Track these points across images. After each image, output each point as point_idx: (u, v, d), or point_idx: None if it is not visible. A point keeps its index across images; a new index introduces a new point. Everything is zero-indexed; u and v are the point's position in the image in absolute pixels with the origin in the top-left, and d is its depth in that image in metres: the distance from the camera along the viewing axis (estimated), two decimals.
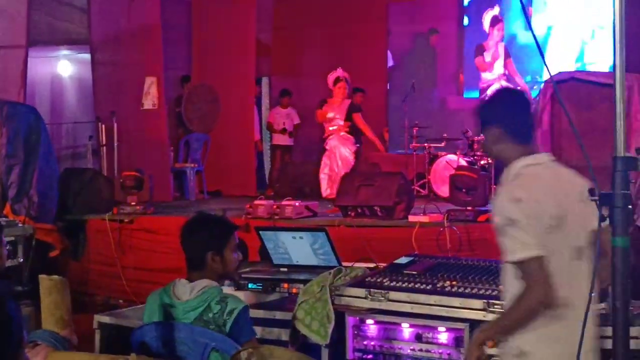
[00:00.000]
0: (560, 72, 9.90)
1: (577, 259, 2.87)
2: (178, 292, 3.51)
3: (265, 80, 14.46)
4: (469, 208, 7.54)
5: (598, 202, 2.27)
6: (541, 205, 2.82)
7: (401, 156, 11.99)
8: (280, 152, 13.36)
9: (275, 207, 8.31)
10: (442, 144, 11.51)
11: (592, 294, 2.61)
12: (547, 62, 2.91)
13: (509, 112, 3.04)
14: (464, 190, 7.60)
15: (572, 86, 6.52)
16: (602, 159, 6.14)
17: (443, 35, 14.31)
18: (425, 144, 11.40)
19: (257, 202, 8.49)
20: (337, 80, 10.34)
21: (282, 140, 13.31)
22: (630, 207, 2.21)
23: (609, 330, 2.48)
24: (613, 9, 2.37)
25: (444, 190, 10.13)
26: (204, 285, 3.49)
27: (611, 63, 2.40)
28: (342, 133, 9.89)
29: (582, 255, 2.87)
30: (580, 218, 2.84)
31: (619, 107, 2.19)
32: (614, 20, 2.26)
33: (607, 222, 2.50)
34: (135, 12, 10.92)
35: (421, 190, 11.14)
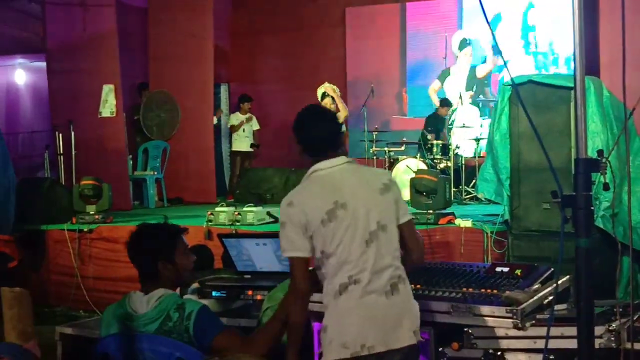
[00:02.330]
0: (518, 75, 10.04)
1: (368, 242, 3.21)
2: (134, 305, 3.46)
3: (224, 87, 14.39)
4: (430, 211, 7.58)
5: (560, 203, 2.28)
6: (311, 207, 3.23)
7: (362, 160, 12.01)
8: (240, 158, 13.33)
9: (236, 213, 8.28)
10: (402, 148, 11.59)
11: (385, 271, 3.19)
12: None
13: (304, 128, 3.43)
14: (424, 193, 7.65)
15: (530, 88, 6.56)
16: (559, 160, 6.24)
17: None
18: (385, 148, 11.48)
19: (218, 209, 8.44)
20: (323, 95, 10.30)
21: (242, 146, 13.28)
22: (592, 208, 2.23)
23: (572, 330, 2.50)
24: (572, 15, 2.40)
25: (404, 194, 10.16)
26: (160, 295, 3.45)
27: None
28: None
29: (373, 238, 3.21)
30: (373, 208, 3.24)
31: (580, 110, 2.21)
32: (574, 24, 2.29)
33: (406, 218, 3.29)
34: (91, 20, 10.81)
35: None
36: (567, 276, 3.90)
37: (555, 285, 2.56)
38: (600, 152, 2.34)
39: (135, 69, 12.51)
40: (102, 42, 10.84)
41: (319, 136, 3.39)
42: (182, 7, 12.23)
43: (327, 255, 3.25)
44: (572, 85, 6.47)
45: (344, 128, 10.46)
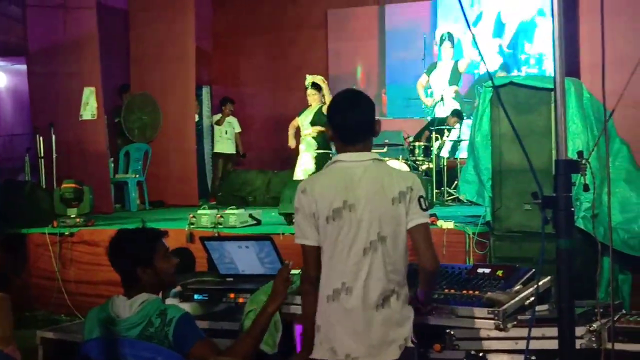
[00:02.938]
0: (498, 77, 10.08)
1: (366, 250, 3.15)
2: (117, 309, 3.44)
3: (206, 89, 14.37)
4: None
5: (541, 205, 2.29)
6: (322, 199, 3.18)
7: None
8: (222, 160, 13.31)
9: (218, 216, 8.27)
10: (384, 150, 11.60)
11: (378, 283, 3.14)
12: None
13: (337, 114, 3.29)
14: None
15: (511, 90, 6.58)
16: (541, 161, 6.28)
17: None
18: None
19: (200, 211, 8.42)
20: (312, 85, 10.12)
21: (224, 148, 13.26)
22: (572, 209, 2.25)
23: (553, 331, 2.51)
24: (552, 17, 2.41)
25: None
26: (143, 299, 3.43)
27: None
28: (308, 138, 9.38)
29: (372, 249, 3.15)
30: (379, 217, 3.15)
31: (560, 111, 2.22)
32: (554, 26, 2.30)
33: (416, 222, 3.13)
34: (72, 22, 10.77)
35: None
36: (549, 277, 3.92)
37: (536, 286, 2.56)
38: (580, 154, 2.35)
39: (116, 71, 12.46)
40: (83, 44, 10.81)
41: (351, 124, 3.25)
42: (163, 8, 12.19)
43: (323, 251, 3.24)
44: (552, 87, 6.53)
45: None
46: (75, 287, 8.52)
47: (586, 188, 2.50)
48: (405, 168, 10.59)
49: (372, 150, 3.32)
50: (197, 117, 13.21)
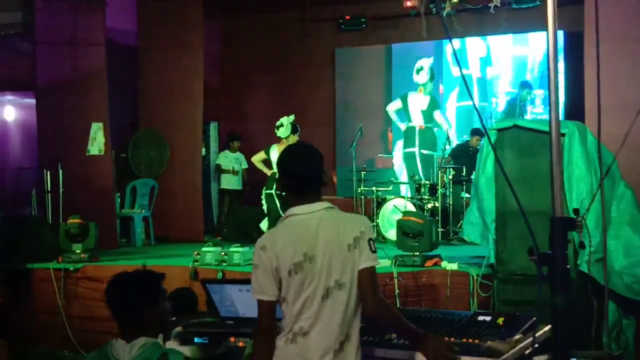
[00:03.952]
0: (503, 120, 10.10)
1: (324, 297, 3.27)
2: (116, 353, 3.44)
3: (213, 125, 14.44)
4: (416, 253, 7.60)
5: (537, 261, 2.30)
6: (283, 254, 3.26)
7: (350, 200, 12.03)
8: (228, 196, 13.33)
9: (223, 254, 8.28)
10: (390, 188, 11.62)
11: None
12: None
13: (286, 168, 3.43)
14: (410, 235, 7.66)
15: (515, 133, 6.62)
16: (545, 204, 6.27)
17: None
18: (373, 188, 11.51)
19: (204, 249, 8.43)
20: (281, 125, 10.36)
21: (231, 184, 13.29)
22: (568, 267, 2.25)
23: None
24: (547, 67, 2.43)
25: (392, 234, 10.20)
26: (143, 343, 3.43)
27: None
28: None
29: (329, 294, 3.27)
30: (336, 264, 3.28)
31: (556, 170, 2.24)
32: (549, 72, 2.31)
33: (364, 264, 3.26)
34: (81, 58, 10.86)
35: None
36: (549, 326, 3.89)
37: (532, 338, 2.56)
38: (576, 211, 2.36)
39: (125, 107, 12.54)
40: (91, 80, 10.90)
41: (302, 177, 3.38)
42: (172, 45, 12.30)
43: (286, 302, 3.32)
44: None
45: None
46: (78, 322, 8.53)
47: (582, 245, 2.50)
48: (411, 206, 10.63)
49: (326, 200, 3.42)
50: (204, 152, 13.28)
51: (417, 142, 13.78)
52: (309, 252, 3.27)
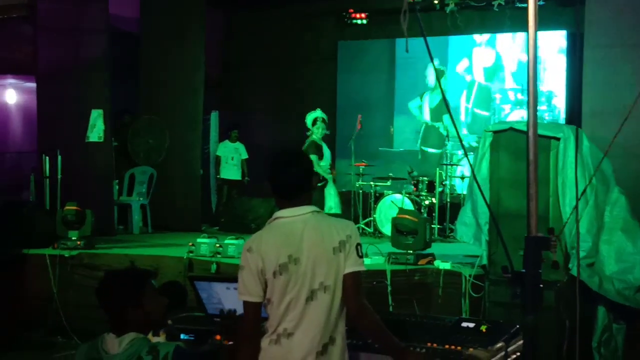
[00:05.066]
0: (499, 122, 10.08)
1: (308, 299, 3.32)
2: (106, 346, 3.48)
3: (214, 115, 14.43)
4: (410, 251, 7.61)
5: (510, 280, 2.31)
6: (268, 256, 3.33)
7: (347, 194, 12.02)
8: (227, 186, 13.34)
9: (218, 245, 8.29)
10: (388, 182, 11.60)
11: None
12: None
13: (273, 173, 3.48)
14: (405, 233, 7.67)
15: (511, 136, 6.62)
16: (539, 207, 6.26)
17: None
18: (371, 183, 11.50)
19: (199, 240, 8.44)
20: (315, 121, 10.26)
21: (230, 174, 13.30)
22: (540, 286, 2.26)
23: None
24: (527, 77, 2.43)
25: (389, 229, 10.19)
26: (132, 338, 3.46)
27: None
28: None
29: (313, 297, 3.32)
30: (321, 267, 3.33)
31: (533, 189, 2.24)
32: (528, 81, 2.30)
33: (350, 269, 3.33)
34: (82, 45, 10.85)
35: (366, 228, 11.22)
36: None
37: (504, 352, 2.57)
38: (550, 230, 2.36)
39: (123, 95, 12.50)
40: (92, 67, 10.87)
41: (287, 182, 3.44)
42: (174, 34, 12.27)
43: (272, 303, 3.36)
44: (552, 134, 6.50)
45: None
46: (72, 309, 8.53)
47: (555, 265, 2.51)
48: (408, 203, 10.63)
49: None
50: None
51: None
52: (293, 254, 3.33)
